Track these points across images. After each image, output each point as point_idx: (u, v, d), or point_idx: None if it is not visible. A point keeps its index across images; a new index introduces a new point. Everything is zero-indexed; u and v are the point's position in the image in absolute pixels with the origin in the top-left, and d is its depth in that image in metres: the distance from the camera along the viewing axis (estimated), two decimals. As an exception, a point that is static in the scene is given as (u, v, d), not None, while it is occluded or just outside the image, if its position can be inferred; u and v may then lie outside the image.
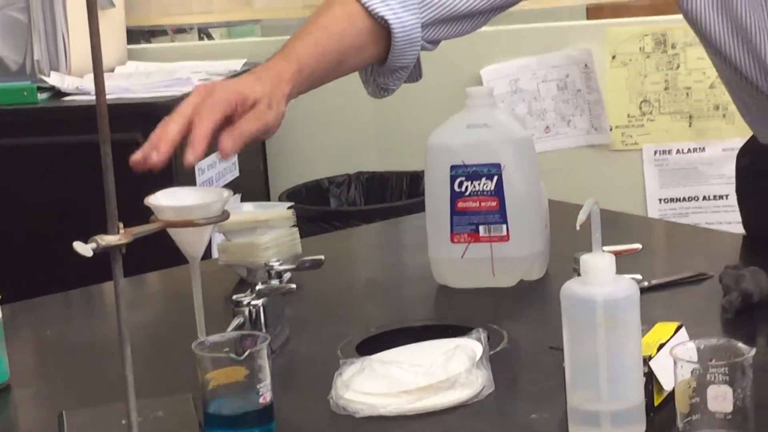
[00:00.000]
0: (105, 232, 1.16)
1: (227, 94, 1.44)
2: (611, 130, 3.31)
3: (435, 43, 1.71)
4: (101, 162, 1.15)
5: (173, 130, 1.39)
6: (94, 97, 1.14)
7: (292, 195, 3.22)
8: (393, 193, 3.36)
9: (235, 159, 3.21)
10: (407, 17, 1.64)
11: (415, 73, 1.73)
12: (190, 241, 1.34)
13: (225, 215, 1.32)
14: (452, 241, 1.73)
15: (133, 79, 3.08)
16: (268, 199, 3.31)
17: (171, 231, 1.31)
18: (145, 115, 2.76)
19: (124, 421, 1.21)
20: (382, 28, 1.64)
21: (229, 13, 3.54)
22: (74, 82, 3.01)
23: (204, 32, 3.99)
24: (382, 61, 1.68)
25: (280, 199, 3.20)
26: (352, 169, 3.42)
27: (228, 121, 1.44)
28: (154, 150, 1.37)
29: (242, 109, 1.45)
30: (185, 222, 1.30)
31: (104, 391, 1.39)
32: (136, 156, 1.36)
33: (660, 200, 3.32)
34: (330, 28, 1.62)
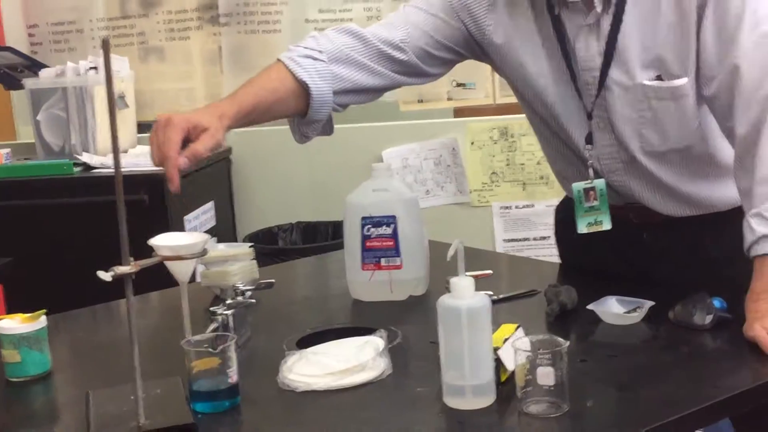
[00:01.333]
0: (120, 263, 1.14)
1: (181, 122, 1.42)
2: (471, 192, 3.33)
3: (343, 106, 1.67)
4: (118, 215, 1.13)
5: (157, 160, 1.40)
6: (113, 170, 1.12)
7: (252, 237, 3.19)
8: (322, 236, 3.34)
9: (212, 213, 3.19)
10: (322, 84, 1.61)
11: (327, 128, 1.68)
12: (180, 270, 1.32)
13: (205, 252, 1.31)
14: (363, 269, 1.73)
15: (140, 158, 3.04)
16: (235, 240, 3.27)
17: (167, 263, 1.29)
18: (149, 182, 2.74)
19: (132, 397, 1.19)
20: (303, 89, 1.61)
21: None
22: (100, 160, 2.98)
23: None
24: (303, 115, 1.64)
25: (243, 241, 3.16)
26: (294, 219, 3.40)
27: (185, 141, 1.42)
28: (170, 182, 1.38)
29: (194, 132, 1.43)
30: (177, 257, 1.28)
31: (119, 376, 1.36)
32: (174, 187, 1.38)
33: (504, 240, 3.34)
34: (266, 85, 1.59)
